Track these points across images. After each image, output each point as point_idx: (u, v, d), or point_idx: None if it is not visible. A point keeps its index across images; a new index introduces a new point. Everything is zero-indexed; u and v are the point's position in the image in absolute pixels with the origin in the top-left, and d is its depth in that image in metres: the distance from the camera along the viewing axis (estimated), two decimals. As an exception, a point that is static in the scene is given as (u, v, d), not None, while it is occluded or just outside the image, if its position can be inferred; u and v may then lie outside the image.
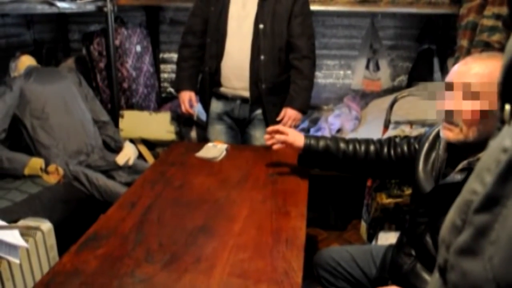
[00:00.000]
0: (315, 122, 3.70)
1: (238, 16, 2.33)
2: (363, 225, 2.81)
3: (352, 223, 3.10)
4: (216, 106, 2.52)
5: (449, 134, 1.25)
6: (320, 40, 4.01)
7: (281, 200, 1.70)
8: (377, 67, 3.83)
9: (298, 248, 1.38)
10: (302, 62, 2.37)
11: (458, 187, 1.15)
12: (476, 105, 1.17)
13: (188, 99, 2.48)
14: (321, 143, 1.75)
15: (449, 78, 1.26)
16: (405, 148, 1.61)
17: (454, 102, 1.21)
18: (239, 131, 2.59)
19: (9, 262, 1.76)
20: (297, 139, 1.79)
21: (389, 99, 3.22)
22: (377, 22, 3.79)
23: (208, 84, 2.47)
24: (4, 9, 2.14)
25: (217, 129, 2.54)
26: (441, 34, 3.72)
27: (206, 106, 2.56)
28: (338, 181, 3.13)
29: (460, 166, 1.22)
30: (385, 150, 1.67)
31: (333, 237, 2.94)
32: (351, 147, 1.73)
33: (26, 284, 1.87)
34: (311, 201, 1.75)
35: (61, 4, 2.61)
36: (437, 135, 1.42)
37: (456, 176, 1.21)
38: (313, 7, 3.09)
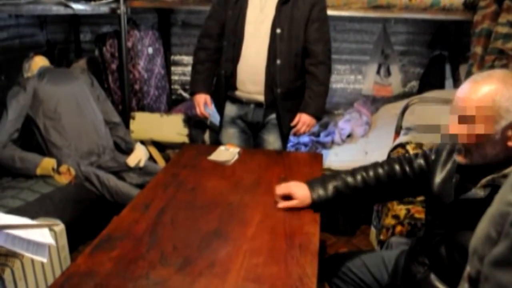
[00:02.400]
0: (325, 126, 3.70)
1: (255, 20, 2.32)
2: (373, 231, 2.79)
3: (361, 228, 3.08)
4: (230, 109, 2.52)
5: (457, 157, 1.27)
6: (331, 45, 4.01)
7: (294, 205, 1.69)
8: (388, 73, 3.83)
9: (312, 254, 1.37)
10: (318, 68, 2.36)
11: (479, 203, 1.13)
12: (471, 129, 1.18)
13: (203, 102, 2.47)
14: (330, 189, 1.61)
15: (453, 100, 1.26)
16: (422, 161, 1.55)
17: (452, 126, 1.23)
18: (251, 135, 2.59)
19: (21, 262, 1.77)
20: (306, 199, 1.62)
21: (399, 104, 3.22)
22: (389, 27, 3.79)
23: (223, 87, 2.46)
24: (20, 10, 2.16)
25: (230, 132, 2.53)
26: (453, 40, 3.71)
27: (220, 110, 2.56)
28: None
29: (484, 181, 1.20)
30: (397, 168, 1.58)
31: (341, 242, 2.92)
32: (359, 178, 1.61)
33: (38, 283, 1.88)
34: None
35: (75, 6, 2.63)
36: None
37: (478, 192, 1.19)
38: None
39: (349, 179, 1.62)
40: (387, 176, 1.60)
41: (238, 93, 2.45)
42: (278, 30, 2.28)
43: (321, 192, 1.61)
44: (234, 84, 2.42)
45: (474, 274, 0.52)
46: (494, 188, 1.16)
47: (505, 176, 1.16)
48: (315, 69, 2.37)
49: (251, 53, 2.33)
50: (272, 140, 2.49)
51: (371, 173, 1.61)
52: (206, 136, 3.26)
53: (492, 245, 0.48)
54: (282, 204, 1.64)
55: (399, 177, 1.59)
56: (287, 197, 1.65)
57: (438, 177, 1.40)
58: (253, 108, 2.46)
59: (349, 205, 1.70)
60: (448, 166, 1.39)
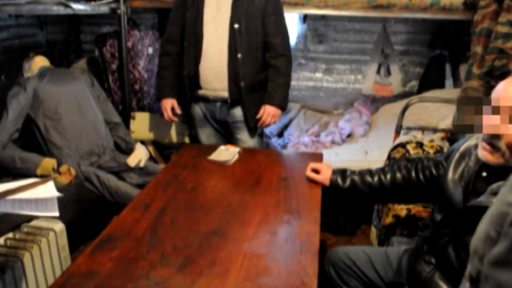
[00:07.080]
0: (325, 126, 3.70)
1: (213, 18, 2.38)
2: (373, 231, 2.79)
3: (361, 228, 3.08)
4: (199, 109, 2.59)
5: (488, 156, 1.21)
6: (331, 45, 4.01)
7: (294, 204, 1.69)
8: (388, 72, 3.83)
9: (313, 254, 1.37)
10: (278, 60, 2.44)
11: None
12: None
13: (170, 106, 2.55)
14: (348, 180, 1.79)
15: (495, 99, 1.18)
16: (433, 169, 1.62)
17: (499, 126, 1.15)
18: (225, 135, 2.63)
19: (22, 262, 1.77)
20: (327, 180, 1.84)
21: (400, 104, 3.22)
22: (389, 27, 3.79)
23: (188, 88, 2.52)
24: (20, 10, 2.16)
25: (207, 131, 2.62)
26: (453, 40, 3.71)
27: (186, 110, 2.60)
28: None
29: (495, 187, 1.18)
30: (413, 174, 1.68)
31: (342, 242, 2.92)
32: (376, 178, 1.75)
33: (38, 283, 1.88)
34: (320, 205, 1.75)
35: (76, 6, 2.63)
36: (468, 147, 1.42)
37: (490, 200, 1.15)
38: (326, 12, 3.10)
39: (367, 177, 1.76)
40: (403, 181, 1.70)
41: (203, 92, 2.50)
42: (236, 25, 2.34)
43: (339, 179, 1.81)
44: (198, 83, 2.48)
45: (474, 274, 0.52)
46: None
47: None
48: (276, 62, 2.44)
49: (212, 50, 2.40)
50: (245, 138, 2.56)
51: (388, 176, 1.73)
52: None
53: (492, 245, 0.49)
54: (310, 173, 1.89)
55: (413, 183, 1.68)
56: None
57: (450, 179, 1.42)
58: (220, 106, 2.51)
59: (362, 200, 1.94)
60: (460, 169, 1.41)
